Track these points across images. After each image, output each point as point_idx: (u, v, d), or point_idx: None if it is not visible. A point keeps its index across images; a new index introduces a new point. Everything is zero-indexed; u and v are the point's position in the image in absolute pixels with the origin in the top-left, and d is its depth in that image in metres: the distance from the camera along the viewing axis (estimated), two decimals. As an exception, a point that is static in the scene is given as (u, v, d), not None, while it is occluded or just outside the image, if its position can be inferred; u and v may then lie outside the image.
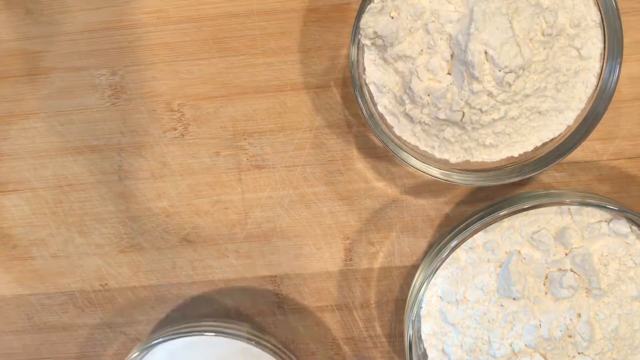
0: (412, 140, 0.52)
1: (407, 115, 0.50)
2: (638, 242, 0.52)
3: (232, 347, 0.55)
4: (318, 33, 0.55)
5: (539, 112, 0.51)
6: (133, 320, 0.60)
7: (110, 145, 0.57)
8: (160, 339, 0.54)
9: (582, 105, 0.51)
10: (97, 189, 0.58)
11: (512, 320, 0.52)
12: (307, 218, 0.57)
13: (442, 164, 0.52)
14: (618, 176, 0.56)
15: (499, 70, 0.47)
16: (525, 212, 0.51)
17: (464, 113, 0.49)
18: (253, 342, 0.54)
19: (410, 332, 0.53)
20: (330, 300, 0.59)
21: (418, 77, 0.49)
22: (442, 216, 0.57)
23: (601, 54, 0.50)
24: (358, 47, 0.50)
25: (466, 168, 0.52)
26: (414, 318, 0.53)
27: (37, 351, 0.60)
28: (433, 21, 0.48)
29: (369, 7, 0.48)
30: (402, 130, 0.52)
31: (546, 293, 0.52)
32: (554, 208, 0.52)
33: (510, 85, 0.48)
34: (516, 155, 0.52)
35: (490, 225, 0.51)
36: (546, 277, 0.52)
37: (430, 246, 0.57)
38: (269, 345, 0.54)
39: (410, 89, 0.49)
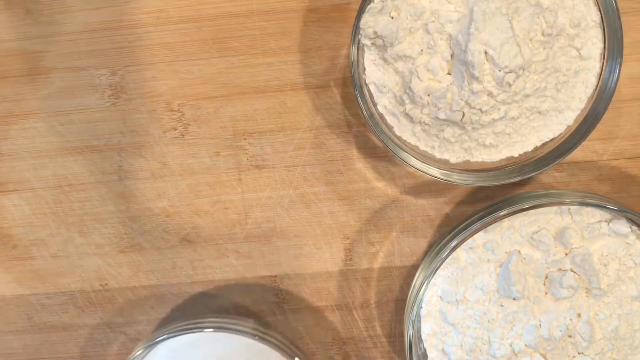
0: (412, 140, 0.52)
1: (407, 115, 0.50)
2: (638, 242, 0.52)
3: (236, 343, 0.55)
4: (318, 33, 0.55)
5: (539, 112, 0.51)
6: (133, 320, 0.60)
7: (110, 145, 0.57)
8: (164, 336, 0.53)
9: (582, 105, 0.51)
10: (97, 189, 0.58)
11: (512, 320, 0.52)
12: (307, 218, 0.57)
13: (442, 164, 0.52)
14: (618, 176, 0.56)
15: (499, 70, 0.47)
16: (525, 212, 0.51)
17: (464, 113, 0.49)
18: (257, 338, 0.53)
19: (410, 332, 0.53)
20: (330, 300, 0.59)
21: (418, 77, 0.49)
22: (442, 216, 0.57)
23: (601, 54, 0.50)
24: (358, 47, 0.50)
25: (466, 168, 0.52)
26: (414, 318, 0.53)
27: (37, 351, 0.60)
28: (433, 21, 0.48)
29: (369, 7, 0.48)
30: (402, 130, 0.52)
31: (546, 293, 0.52)
32: (554, 208, 0.52)
33: (510, 85, 0.48)
34: (516, 155, 0.52)
35: (490, 225, 0.51)
36: (546, 277, 0.52)
37: (430, 246, 0.57)
38: (274, 340, 0.54)
39: (410, 89, 0.49)
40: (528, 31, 0.48)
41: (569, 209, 0.52)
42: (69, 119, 0.57)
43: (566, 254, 0.52)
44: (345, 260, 0.58)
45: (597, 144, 0.56)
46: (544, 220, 0.52)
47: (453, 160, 0.52)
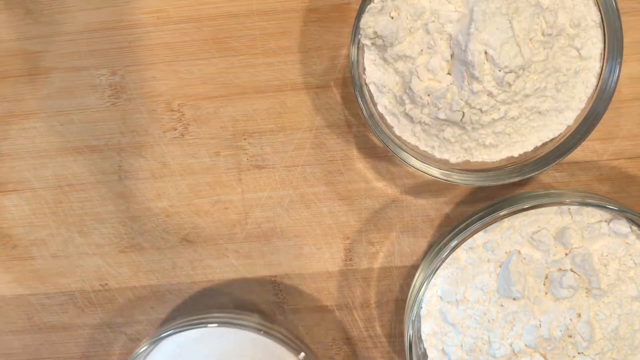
0: (412, 140, 0.52)
1: (407, 115, 0.50)
2: (638, 242, 0.52)
3: (241, 338, 0.55)
4: (318, 33, 0.55)
5: (539, 112, 0.51)
6: (133, 320, 0.60)
7: (110, 145, 0.57)
8: (169, 332, 0.53)
9: (582, 105, 0.51)
10: (97, 189, 0.58)
11: (512, 320, 0.52)
12: (307, 218, 0.57)
13: (442, 164, 0.52)
14: (618, 176, 0.56)
15: (499, 70, 0.47)
16: (525, 212, 0.51)
17: (464, 113, 0.49)
18: (262, 333, 0.53)
19: (410, 332, 0.53)
20: (330, 300, 0.59)
21: (418, 77, 0.49)
22: (442, 216, 0.57)
23: (601, 54, 0.50)
24: (358, 47, 0.50)
25: (466, 168, 0.52)
26: (414, 318, 0.53)
27: (37, 351, 0.60)
28: (433, 21, 0.48)
29: (369, 7, 0.48)
30: (402, 130, 0.52)
31: (546, 293, 0.52)
32: (554, 208, 0.52)
33: (510, 85, 0.48)
34: (516, 155, 0.52)
35: (490, 225, 0.51)
36: (546, 277, 0.52)
37: (430, 246, 0.57)
38: (279, 335, 0.54)
39: (410, 89, 0.49)
40: (528, 31, 0.48)
41: (569, 209, 0.52)
42: (69, 119, 0.57)
43: (566, 254, 0.52)
44: (345, 260, 0.58)
45: (597, 144, 0.56)
46: (544, 220, 0.52)
47: (453, 160, 0.52)
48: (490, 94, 0.48)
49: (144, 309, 0.59)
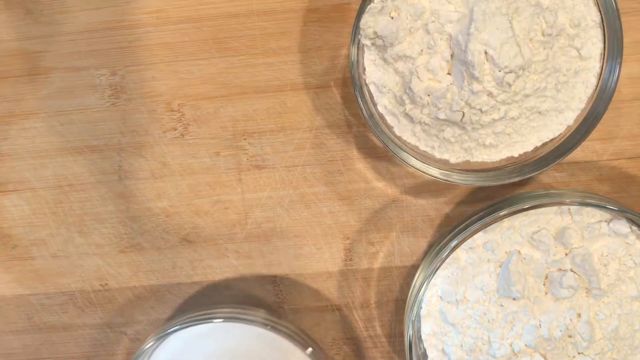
0: (412, 140, 0.52)
1: (407, 115, 0.50)
2: (638, 242, 0.52)
3: (248, 333, 0.54)
4: (318, 33, 0.55)
5: (539, 112, 0.51)
6: (133, 320, 0.60)
7: (110, 145, 0.57)
8: (176, 327, 0.53)
9: (582, 105, 0.51)
10: (97, 189, 0.58)
11: (512, 320, 0.52)
12: (307, 218, 0.57)
13: (442, 164, 0.52)
14: (618, 176, 0.56)
15: (499, 70, 0.47)
16: (525, 212, 0.51)
17: (464, 113, 0.49)
18: (269, 327, 0.53)
19: (410, 332, 0.53)
20: (330, 300, 0.59)
21: (418, 77, 0.49)
22: (442, 216, 0.57)
23: (601, 54, 0.50)
24: (358, 47, 0.50)
25: (466, 168, 0.52)
26: (414, 318, 0.53)
27: (37, 351, 0.60)
28: (433, 21, 0.48)
29: (369, 7, 0.48)
30: (402, 130, 0.52)
31: (546, 293, 0.52)
32: (554, 208, 0.52)
33: (510, 85, 0.48)
34: (516, 155, 0.52)
35: (490, 225, 0.51)
36: (546, 277, 0.52)
37: (430, 246, 0.57)
38: (285, 330, 0.54)
39: (410, 89, 0.49)
40: (528, 31, 0.48)
41: (569, 209, 0.52)
42: (69, 119, 0.57)
43: (566, 254, 0.52)
44: (345, 260, 0.58)
45: (597, 144, 0.56)
46: (544, 220, 0.52)
47: (453, 160, 0.52)
48: (490, 94, 0.48)
49: (144, 309, 0.59)
